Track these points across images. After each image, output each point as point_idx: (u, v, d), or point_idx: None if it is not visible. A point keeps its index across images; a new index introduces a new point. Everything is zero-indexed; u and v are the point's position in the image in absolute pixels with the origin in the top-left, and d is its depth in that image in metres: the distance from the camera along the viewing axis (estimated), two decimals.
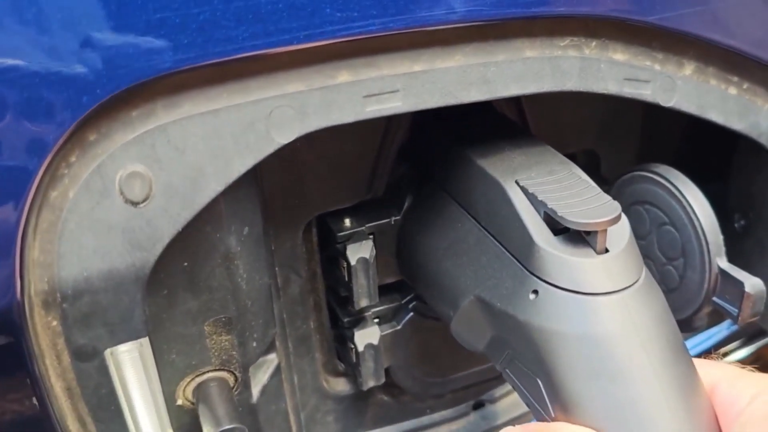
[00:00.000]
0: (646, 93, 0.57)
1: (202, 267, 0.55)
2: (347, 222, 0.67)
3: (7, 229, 0.43)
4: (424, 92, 0.51)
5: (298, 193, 0.65)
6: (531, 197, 0.51)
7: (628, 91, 0.57)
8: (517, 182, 0.52)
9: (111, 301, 0.47)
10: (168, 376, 0.57)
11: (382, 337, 0.71)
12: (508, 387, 0.85)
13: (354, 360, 0.71)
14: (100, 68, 0.42)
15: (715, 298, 0.63)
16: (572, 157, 0.57)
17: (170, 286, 0.54)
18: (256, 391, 0.65)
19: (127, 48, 0.42)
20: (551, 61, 0.53)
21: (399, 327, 0.73)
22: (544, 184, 0.51)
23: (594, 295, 0.45)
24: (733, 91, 0.60)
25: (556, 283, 0.47)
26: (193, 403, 0.59)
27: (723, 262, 0.61)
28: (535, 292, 0.47)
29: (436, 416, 0.83)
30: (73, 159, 0.44)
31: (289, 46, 0.46)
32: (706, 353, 0.74)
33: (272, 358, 0.67)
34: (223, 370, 0.60)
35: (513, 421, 0.83)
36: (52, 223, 0.45)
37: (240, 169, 0.48)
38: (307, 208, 0.66)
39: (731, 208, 0.72)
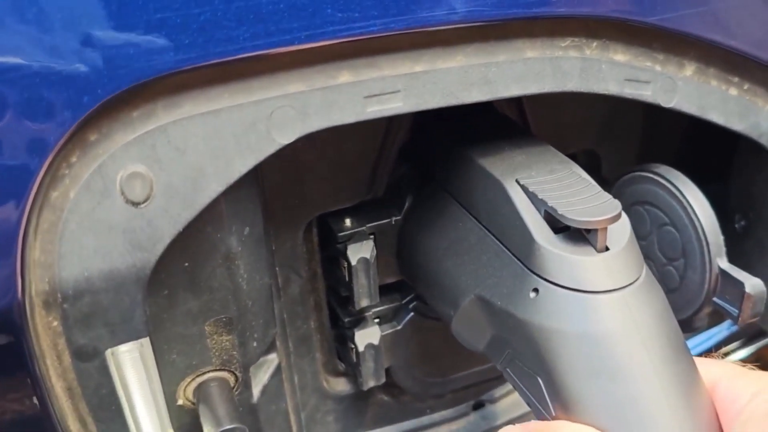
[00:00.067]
0: (647, 94, 0.57)
1: (202, 267, 0.55)
2: (348, 222, 0.67)
3: (8, 229, 0.43)
4: (425, 93, 0.51)
5: (298, 193, 0.65)
6: (531, 196, 0.51)
7: (629, 91, 0.57)
8: (517, 181, 0.52)
9: (112, 301, 0.47)
10: (169, 376, 0.57)
11: (382, 337, 0.71)
12: (508, 387, 0.85)
13: (354, 360, 0.71)
14: (101, 68, 0.42)
15: (715, 299, 0.63)
16: (573, 158, 0.57)
17: (171, 287, 0.54)
18: (256, 391, 0.65)
19: (128, 48, 0.42)
20: (552, 62, 0.53)
21: (399, 327, 0.73)
22: (544, 183, 0.51)
23: (594, 293, 0.45)
24: (733, 91, 0.60)
25: (557, 282, 0.47)
26: (193, 403, 0.59)
27: (723, 263, 0.61)
28: (536, 290, 0.47)
29: (436, 416, 0.83)
30: (73, 159, 0.44)
31: (290, 46, 0.46)
32: (706, 353, 0.74)
33: (273, 358, 0.67)
34: (223, 370, 0.60)
35: (513, 422, 0.83)
36: (52, 223, 0.45)
37: (241, 170, 0.48)
38: (308, 208, 0.66)
39: (732, 209, 0.72)
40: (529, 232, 0.49)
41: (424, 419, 0.83)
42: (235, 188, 0.48)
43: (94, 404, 0.50)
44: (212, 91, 0.46)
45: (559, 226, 0.49)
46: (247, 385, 0.62)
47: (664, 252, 0.65)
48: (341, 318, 0.71)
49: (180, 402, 0.59)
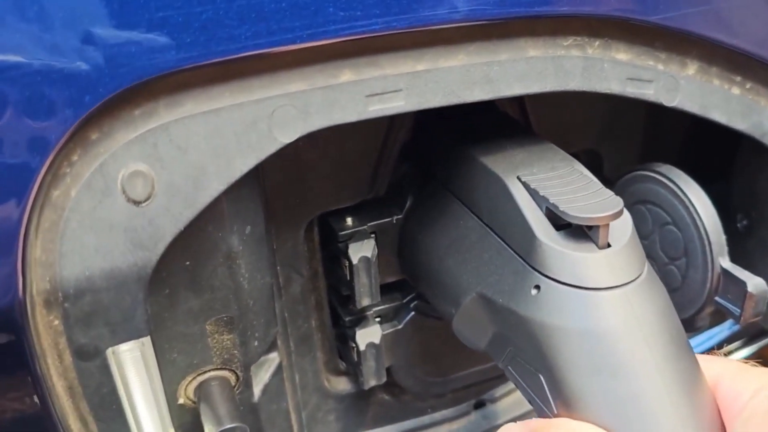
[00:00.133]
0: (649, 93, 0.57)
1: (204, 266, 0.55)
2: (349, 221, 0.67)
3: (9, 228, 0.43)
4: (427, 92, 0.51)
5: (300, 193, 0.65)
6: (533, 193, 0.51)
7: (631, 90, 0.57)
8: (519, 178, 0.52)
9: (113, 300, 0.47)
10: (169, 375, 0.57)
11: (383, 337, 0.70)
12: (508, 387, 0.85)
13: (355, 359, 0.71)
14: (103, 66, 0.42)
15: (717, 298, 0.63)
16: (574, 157, 0.57)
17: (172, 286, 0.54)
18: (257, 390, 0.64)
19: (130, 46, 0.42)
20: (554, 61, 0.53)
21: (400, 326, 0.73)
22: (546, 180, 0.51)
23: (596, 290, 0.45)
24: (736, 90, 0.60)
25: (558, 278, 0.47)
26: (194, 402, 0.59)
27: (725, 262, 0.61)
28: (537, 287, 0.47)
29: (437, 415, 0.83)
30: (75, 158, 0.44)
31: (292, 45, 0.46)
32: (708, 353, 0.73)
33: (274, 357, 0.67)
34: (224, 369, 0.60)
35: (514, 421, 0.83)
36: (54, 222, 0.45)
37: (242, 169, 0.48)
38: (309, 207, 0.66)
39: (734, 208, 0.72)
40: (531, 229, 0.49)
41: (425, 418, 0.83)
42: (237, 187, 0.48)
43: (95, 403, 0.50)
44: (214, 90, 0.46)
45: (560, 223, 0.49)
46: (248, 384, 0.62)
47: (666, 251, 0.65)
48: (342, 317, 0.71)
49: (181, 401, 0.59)
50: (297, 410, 0.74)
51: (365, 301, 0.66)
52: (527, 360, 0.48)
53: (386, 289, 0.70)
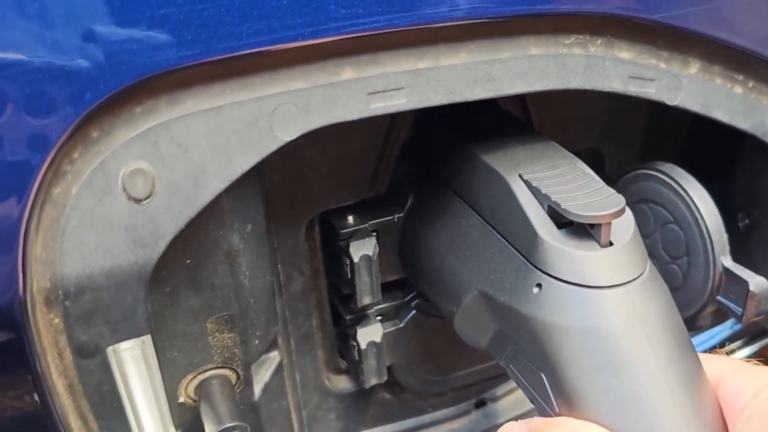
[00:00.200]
0: (651, 91, 0.57)
1: (204, 264, 0.55)
2: (350, 219, 0.66)
3: (10, 226, 0.43)
4: (429, 90, 0.51)
5: (301, 191, 0.65)
6: (535, 191, 0.50)
7: (633, 89, 0.56)
8: (520, 176, 0.52)
9: (113, 298, 0.47)
10: (170, 373, 0.57)
11: (384, 335, 0.70)
12: (509, 386, 0.85)
13: (356, 358, 0.70)
14: (103, 64, 0.42)
15: (719, 297, 0.63)
16: (576, 155, 0.57)
17: (173, 284, 0.54)
18: (258, 388, 0.64)
19: (131, 44, 0.42)
20: (556, 59, 0.53)
21: (401, 325, 0.72)
22: (547, 178, 0.51)
23: (598, 288, 0.45)
24: (738, 89, 0.60)
25: (560, 277, 0.46)
26: (195, 401, 0.59)
27: (727, 261, 0.61)
28: (539, 285, 0.47)
29: (438, 414, 0.83)
30: (75, 155, 0.44)
31: (293, 42, 0.46)
32: (709, 352, 0.73)
33: (274, 356, 0.67)
34: (225, 367, 0.60)
35: (515, 419, 0.83)
36: (54, 219, 0.44)
37: (243, 167, 0.48)
38: (310, 206, 0.66)
39: (736, 207, 0.72)
40: (533, 227, 0.49)
41: (426, 417, 0.82)
42: (237, 185, 0.48)
43: (95, 401, 0.50)
44: (215, 88, 0.46)
45: (562, 221, 0.48)
46: (248, 382, 0.62)
47: (667, 250, 0.65)
48: (343, 316, 0.71)
49: (181, 399, 0.59)
50: (297, 409, 0.74)
51: (366, 300, 0.66)
52: (529, 358, 0.48)
53: (387, 288, 0.70)
